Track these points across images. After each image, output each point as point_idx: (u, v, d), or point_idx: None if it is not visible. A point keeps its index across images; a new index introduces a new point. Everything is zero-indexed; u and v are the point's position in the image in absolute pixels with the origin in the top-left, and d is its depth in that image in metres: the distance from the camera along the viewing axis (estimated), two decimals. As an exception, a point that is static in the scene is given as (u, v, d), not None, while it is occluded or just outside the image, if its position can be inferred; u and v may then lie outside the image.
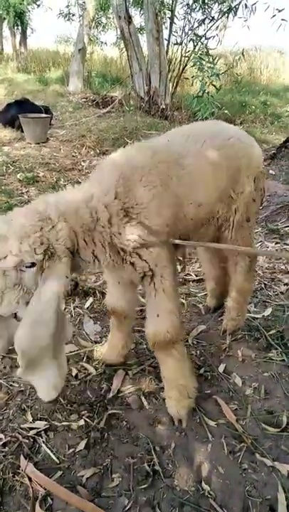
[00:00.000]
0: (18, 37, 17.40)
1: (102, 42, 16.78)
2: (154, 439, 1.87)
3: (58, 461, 1.76)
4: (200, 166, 1.87)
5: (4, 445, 1.81)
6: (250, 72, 14.97)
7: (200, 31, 8.67)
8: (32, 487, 1.63)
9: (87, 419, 1.94)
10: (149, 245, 1.69)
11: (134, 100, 9.96)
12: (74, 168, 6.00)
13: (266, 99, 11.92)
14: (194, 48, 8.08)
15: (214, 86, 6.95)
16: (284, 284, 3.09)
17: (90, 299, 2.91)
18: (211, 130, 2.04)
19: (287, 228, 4.07)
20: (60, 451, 1.81)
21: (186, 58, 9.01)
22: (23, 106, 7.54)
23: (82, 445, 1.82)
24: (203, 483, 1.68)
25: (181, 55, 9.29)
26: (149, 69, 9.50)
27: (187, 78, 9.45)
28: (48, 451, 1.80)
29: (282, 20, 6.85)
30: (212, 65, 6.79)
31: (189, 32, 8.97)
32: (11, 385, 2.13)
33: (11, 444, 1.82)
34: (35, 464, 1.73)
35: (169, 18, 9.29)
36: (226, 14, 8.17)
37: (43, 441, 1.84)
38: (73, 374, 2.21)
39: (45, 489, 1.63)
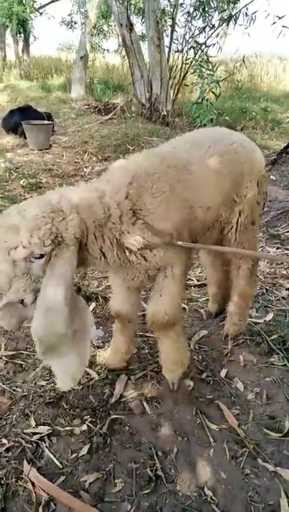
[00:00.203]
0: (20, 44, 17.53)
1: (104, 49, 16.92)
2: (157, 444, 1.88)
3: (61, 466, 1.77)
4: (205, 171, 1.92)
5: (7, 450, 1.82)
6: (251, 79, 15.09)
7: (201, 39, 8.78)
8: (35, 492, 1.64)
9: (89, 424, 1.95)
10: (152, 247, 1.72)
11: (136, 107, 10.05)
12: (76, 174, 6.05)
13: (267, 105, 11.99)
14: (195, 56, 8.17)
15: (213, 93, 7.02)
16: (285, 289, 3.10)
17: (93, 304, 2.93)
18: (213, 136, 2.08)
19: (287, 233, 4.09)
20: (63, 456, 1.82)
21: (187, 65, 9.10)
22: (25, 113, 7.61)
23: (85, 450, 1.83)
24: (205, 488, 1.69)
25: (182, 63, 9.38)
26: (150, 76, 9.60)
27: (187, 85, 9.55)
28: (51, 456, 1.80)
29: (283, 27, 6.94)
30: (212, 72, 6.86)
31: (190, 39, 9.08)
32: (14, 390, 2.14)
33: (14, 449, 1.82)
34: (38, 469, 1.74)
35: (170, 25, 9.41)
36: (227, 22, 8.26)
37: (46, 446, 1.85)
38: (76, 379, 2.22)
39: (48, 494, 1.64)
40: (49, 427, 1.93)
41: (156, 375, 2.25)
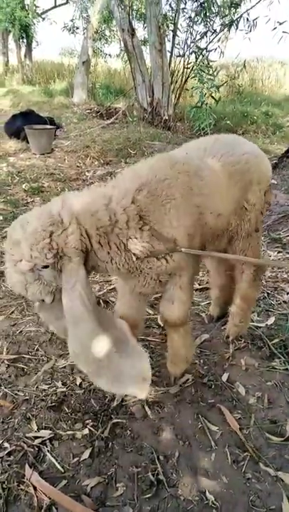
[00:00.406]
0: (23, 49, 17.67)
1: (105, 54, 17.04)
2: (158, 448, 1.88)
3: (63, 470, 1.77)
4: (217, 179, 1.94)
5: (9, 454, 1.83)
6: (252, 83, 15.16)
7: (202, 44, 8.85)
8: (37, 496, 1.64)
9: (91, 428, 1.95)
10: (157, 253, 1.73)
11: (138, 111, 10.10)
12: (78, 178, 6.07)
13: (268, 109, 12.03)
14: (196, 60, 8.22)
15: (213, 98, 7.06)
16: (287, 293, 3.10)
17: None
18: (226, 144, 2.11)
19: None
20: (64, 460, 1.82)
21: (188, 70, 9.16)
22: (28, 117, 7.65)
23: (86, 454, 1.84)
24: (207, 492, 1.69)
25: (184, 67, 9.44)
26: (152, 80, 9.66)
27: (188, 89, 9.60)
28: (53, 460, 1.81)
29: (284, 32, 6.98)
30: (212, 77, 6.91)
31: (191, 44, 9.14)
32: (16, 394, 2.15)
33: (16, 453, 1.83)
34: (39, 473, 1.74)
35: (172, 30, 9.48)
36: (228, 27, 8.32)
37: (48, 450, 1.85)
38: (77, 383, 2.23)
39: (50, 498, 1.64)
40: (51, 431, 1.93)
41: (157, 379, 2.25)
